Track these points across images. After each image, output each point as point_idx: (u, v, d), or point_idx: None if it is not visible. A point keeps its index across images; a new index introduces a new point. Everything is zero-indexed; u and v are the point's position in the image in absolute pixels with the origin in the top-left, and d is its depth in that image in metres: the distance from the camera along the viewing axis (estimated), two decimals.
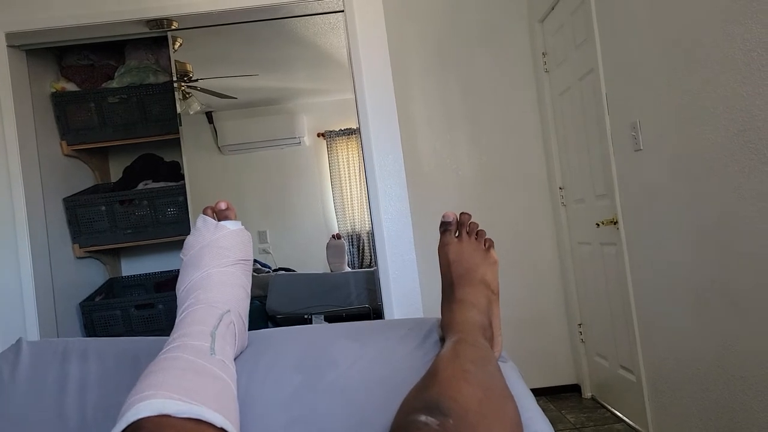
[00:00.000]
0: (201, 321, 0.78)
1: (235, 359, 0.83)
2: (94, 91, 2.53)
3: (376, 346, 0.91)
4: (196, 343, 0.73)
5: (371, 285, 2.64)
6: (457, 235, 0.92)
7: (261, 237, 2.63)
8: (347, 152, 2.86)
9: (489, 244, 0.91)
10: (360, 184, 2.94)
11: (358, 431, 0.71)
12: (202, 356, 0.70)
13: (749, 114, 1.43)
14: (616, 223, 2.20)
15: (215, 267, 0.84)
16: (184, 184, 2.54)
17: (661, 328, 1.99)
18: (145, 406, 0.58)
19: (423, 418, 0.54)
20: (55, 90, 2.52)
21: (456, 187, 3.00)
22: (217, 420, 0.60)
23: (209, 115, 2.55)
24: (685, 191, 1.73)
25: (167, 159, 2.78)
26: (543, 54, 2.84)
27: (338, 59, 2.53)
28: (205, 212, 0.90)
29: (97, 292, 2.68)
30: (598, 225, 2.34)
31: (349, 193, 2.90)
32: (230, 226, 0.87)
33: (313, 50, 2.54)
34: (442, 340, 0.87)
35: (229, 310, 0.81)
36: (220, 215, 0.89)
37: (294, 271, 2.68)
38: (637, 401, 2.20)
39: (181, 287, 0.86)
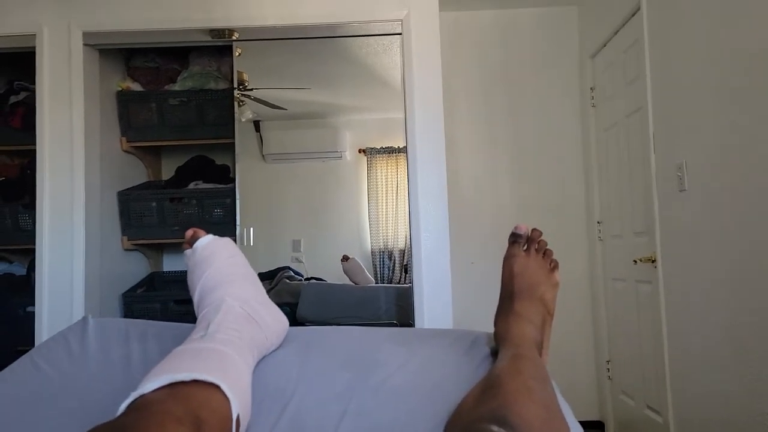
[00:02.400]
0: (205, 318, 0.86)
1: (272, 350, 0.89)
2: (157, 93, 2.66)
3: (422, 351, 0.95)
4: (196, 335, 0.81)
5: (401, 301, 2.67)
6: (524, 249, 0.94)
7: (295, 246, 2.69)
8: (386, 170, 2.92)
9: (554, 265, 0.94)
10: (396, 201, 3.00)
11: (407, 430, 0.75)
12: (197, 340, 0.78)
13: None
14: (654, 261, 2.20)
15: (204, 277, 0.92)
16: (233, 187, 2.63)
17: (692, 371, 1.97)
18: (147, 382, 0.66)
19: (495, 428, 0.57)
20: (120, 89, 2.66)
21: (494, 214, 3.03)
22: (207, 378, 0.67)
23: (257, 124, 2.65)
24: (727, 235, 1.74)
25: (218, 162, 2.88)
26: (591, 89, 2.87)
27: (386, 79, 2.60)
28: (186, 247, 0.99)
29: (139, 285, 2.78)
30: (635, 262, 2.34)
31: (384, 210, 2.95)
32: (202, 241, 0.96)
33: (363, 69, 2.62)
34: (494, 352, 0.91)
35: (225, 299, 0.88)
36: (195, 238, 0.97)
37: (325, 281, 2.74)
38: None
39: (194, 292, 0.94)
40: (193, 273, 0.97)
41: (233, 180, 2.76)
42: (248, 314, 0.91)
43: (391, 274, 2.99)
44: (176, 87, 2.67)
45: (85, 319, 1.06)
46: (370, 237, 2.88)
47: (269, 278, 2.63)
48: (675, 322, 2.08)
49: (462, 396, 0.80)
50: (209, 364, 0.72)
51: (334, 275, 2.72)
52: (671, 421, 2.11)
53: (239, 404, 0.70)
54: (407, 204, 2.62)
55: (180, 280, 2.90)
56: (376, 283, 2.87)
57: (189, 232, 1.01)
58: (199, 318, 0.89)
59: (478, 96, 3.07)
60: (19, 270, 2.77)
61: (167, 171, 3.02)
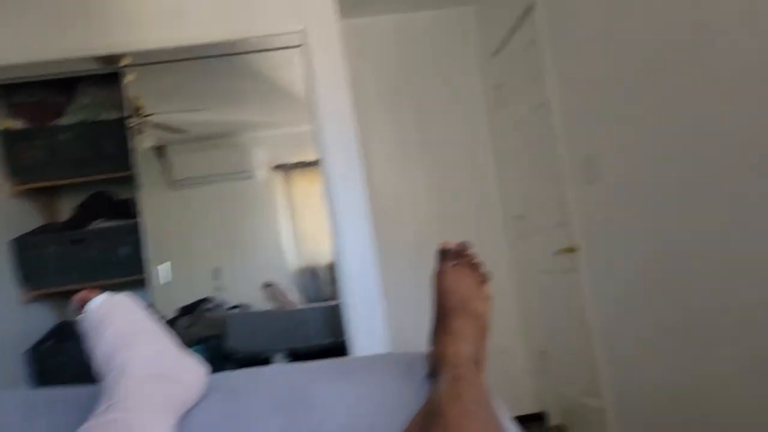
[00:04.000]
0: (108, 387, 0.79)
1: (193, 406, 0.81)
2: (45, 129, 2.45)
3: (358, 384, 0.89)
4: (99, 410, 0.74)
5: (331, 319, 2.60)
6: (453, 264, 0.91)
7: (215, 274, 2.57)
8: (302, 185, 2.85)
9: (485, 278, 0.91)
10: (317, 217, 2.93)
11: None
12: (100, 415, 0.72)
13: (702, 146, 1.51)
14: (574, 251, 2.26)
15: (101, 342, 0.84)
16: (138, 222, 2.47)
17: (623, 354, 2.03)
18: None
19: None
20: (3, 128, 2.43)
21: (416, 224, 3.02)
22: None
23: (160, 151, 2.50)
24: (640, 222, 1.80)
25: (121, 197, 2.70)
26: (495, 87, 2.93)
27: (292, 92, 2.53)
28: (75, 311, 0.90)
29: (46, 338, 2.55)
30: (556, 254, 2.39)
31: (304, 227, 2.87)
32: (94, 303, 0.87)
33: (266, 84, 2.54)
34: (431, 373, 0.86)
35: (126, 363, 0.81)
36: (85, 301, 0.89)
37: (250, 307, 2.62)
38: (603, 427, 2.23)
39: (94, 359, 0.86)
40: (88, 339, 0.87)
41: (136, 215, 2.60)
42: (158, 373, 0.83)
43: (318, 291, 2.91)
44: (65, 120, 2.47)
45: None
46: (296, 255, 2.80)
47: (189, 312, 2.48)
48: (601, 309, 2.14)
49: (402, 427, 0.76)
50: None
51: (260, 300, 2.62)
52: (609, 405, 2.16)
53: None
54: (328, 219, 2.55)
55: None
56: (303, 303, 2.79)
57: (77, 296, 0.91)
58: (103, 387, 0.80)
59: (387, 104, 3.05)
60: None
61: (64, 212, 2.80)
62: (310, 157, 2.77)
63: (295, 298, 2.84)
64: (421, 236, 2.98)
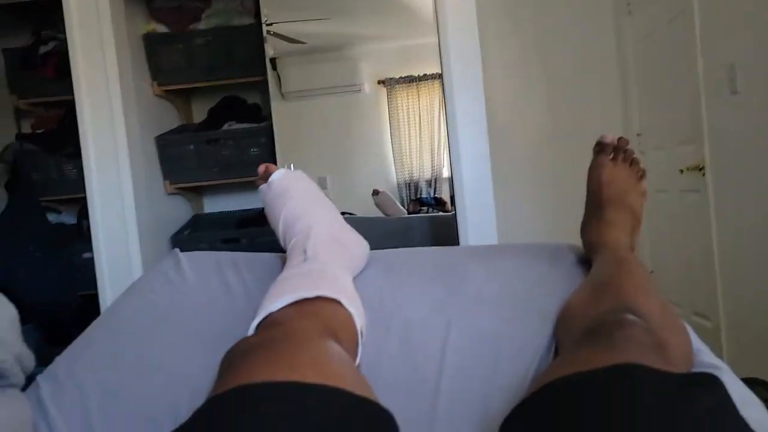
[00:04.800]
0: (296, 246, 0.89)
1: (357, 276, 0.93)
2: (183, 33, 2.62)
3: (504, 264, 0.97)
4: (294, 261, 0.84)
5: (441, 230, 2.69)
6: (611, 158, 0.93)
7: (321, 183, 2.70)
8: (407, 100, 2.89)
9: (642, 174, 0.94)
10: (419, 132, 2.97)
11: (512, 333, 0.78)
12: (300, 265, 0.82)
13: None
14: (701, 169, 2.18)
15: (285, 209, 0.95)
16: (267, 125, 2.62)
17: (744, 277, 1.99)
18: (272, 303, 0.69)
19: (630, 316, 0.59)
20: (146, 32, 2.61)
21: (528, 133, 3.00)
22: (340, 298, 0.71)
23: (273, 62, 2.60)
24: None
25: (250, 101, 2.87)
26: None
27: (405, 3, 2.52)
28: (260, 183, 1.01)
29: (184, 228, 2.84)
30: (681, 171, 2.32)
31: (408, 141, 2.94)
32: (277, 174, 0.98)
33: None
34: (581, 260, 0.92)
35: (311, 226, 0.91)
36: (268, 172, 0.99)
37: (355, 215, 2.75)
38: (714, 348, 2.23)
39: (277, 224, 0.97)
40: (273, 206, 0.99)
41: (264, 119, 2.76)
42: (336, 239, 0.93)
43: (420, 203, 3.01)
44: (201, 26, 2.62)
45: (174, 252, 1.09)
46: (395, 169, 2.88)
47: None
48: (725, 230, 2.09)
49: (559, 301, 0.83)
50: (325, 283, 0.75)
51: (363, 210, 2.74)
52: (722, 327, 2.15)
53: (359, 319, 0.74)
54: (432, 133, 2.60)
55: (222, 221, 2.95)
56: (408, 215, 2.90)
57: (261, 168, 1.02)
58: (290, 247, 0.92)
59: (506, 13, 2.97)
60: (69, 219, 2.84)
61: (197, 114, 3.01)
62: (415, 71, 2.79)
63: (400, 206, 2.96)
64: (534, 149, 2.97)
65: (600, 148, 0.94)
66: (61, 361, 0.80)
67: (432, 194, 2.96)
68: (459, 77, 2.31)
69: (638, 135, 2.79)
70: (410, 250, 1.09)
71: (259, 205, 2.91)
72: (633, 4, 2.73)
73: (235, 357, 0.58)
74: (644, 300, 0.66)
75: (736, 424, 0.46)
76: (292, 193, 0.97)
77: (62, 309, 2.47)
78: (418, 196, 2.98)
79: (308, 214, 0.95)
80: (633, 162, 0.94)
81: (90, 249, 2.44)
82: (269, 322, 0.67)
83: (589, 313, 0.67)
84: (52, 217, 2.80)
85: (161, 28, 2.65)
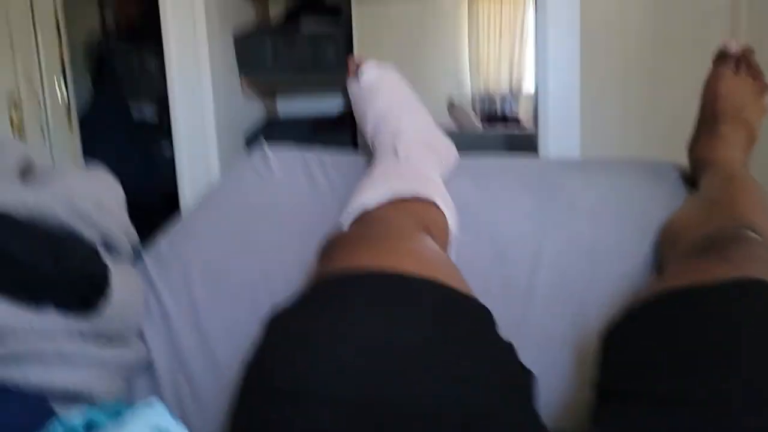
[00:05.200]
0: (385, 144, 0.87)
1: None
2: None
3: (601, 176, 0.93)
4: (385, 159, 0.83)
5: (513, 147, 2.61)
6: (732, 68, 0.87)
7: None
8: (489, 7, 2.72)
9: (765, 88, 0.86)
10: (499, 43, 2.82)
11: (609, 244, 0.76)
12: (393, 163, 0.81)
13: None
14: None
15: (376, 104, 0.93)
16: (345, 26, 2.55)
17: None
18: (367, 198, 0.69)
19: (750, 233, 0.56)
20: None
21: (620, 46, 2.80)
22: (434, 198, 0.71)
23: None
24: None
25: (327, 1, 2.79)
26: None
27: None
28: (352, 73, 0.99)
29: (258, 129, 2.87)
30: None
31: (486, 52, 2.80)
32: (368, 69, 0.97)
33: None
34: (686, 177, 0.87)
35: (401, 127, 0.89)
36: (359, 65, 0.99)
37: None
38: None
39: (365, 120, 0.95)
40: (362, 101, 0.97)
41: (343, 20, 2.68)
42: (425, 141, 0.91)
43: (496, 117, 2.91)
44: None
45: (262, 148, 1.10)
46: (470, 81, 2.78)
47: None
48: None
49: (661, 216, 0.79)
50: (420, 183, 0.74)
51: (436, 121, 2.68)
52: None
53: (452, 219, 0.73)
54: (512, 45, 2.45)
55: (296, 123, 2.97)
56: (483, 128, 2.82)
57: (352, 62, 1.00)
58: (380, 144, 0.91)
59: None
60: (151, 117, 2.92)
61: (276, 11, 2.97)
62: None
63: (475, 119, 2.88)
64: (627, 62, 2.77)
65: (721, 56, 0.86)
66: (163, 243, 0.84)
67: (512, 111, 2.86)
68: None
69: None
70: (500, 158, 1.07)
71: (334, 110, 2.92)
72: None
73: (335, 246, 0.59)
74: (762, 218, 0.62)
75: None
76: (383, 90, 0.95)
77: (146, 205, 2.59)
78: (499, 111, 2.88)
79: (399, 113, 0.93)
80: (756, 74, 0.85)
81: (170, 147, 2.52)
82: (365, 217, 0.67)
83: (699, 229, 0.63)
84: (136, 114, 2.89)
85: None
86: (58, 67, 2.60)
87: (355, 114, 1.01)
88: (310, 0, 2.73)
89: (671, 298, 0.49)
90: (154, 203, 2.63)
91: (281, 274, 0.74)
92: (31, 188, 0.69)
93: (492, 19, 2.72)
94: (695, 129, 0.89)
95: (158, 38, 2.39)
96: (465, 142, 2.89)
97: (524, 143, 2.47)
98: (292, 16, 2.70)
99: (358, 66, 0.98)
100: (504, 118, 2.87)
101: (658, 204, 0.82)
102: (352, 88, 0.99)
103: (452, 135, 3.03)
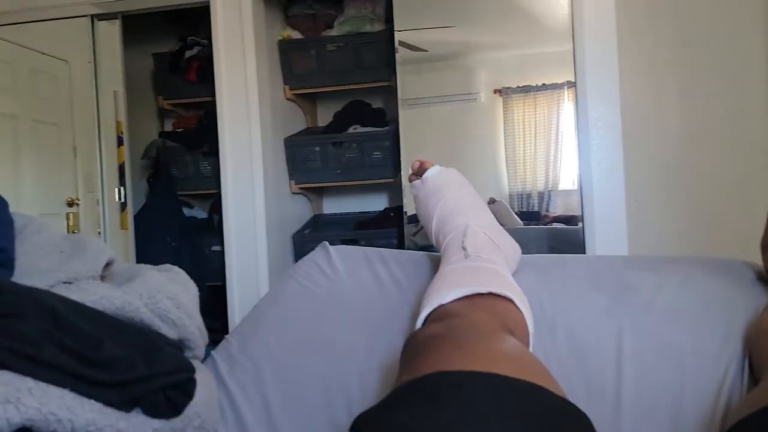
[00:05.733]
0: (453, 243, 0.87)
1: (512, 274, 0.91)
2: (315, 40, 2.72)
3: (673, 276, 0.91)
4: (454, 257, 0.83)
5: (563, 243, 2.60)
6: None
7: None
8: (523, 110, 2.81)
9: None
10: (534, 142, 2.89)
11: (695, 346, 0.72)
12: (463, 261, 0.80)
13: None
14: None
15: (440, 205, 0.95)
16: (392, 129, 2.66)
17: None
18: (443, 295, 0.68)
19: None
20: (281, 38, 2.74)
21: (659, 146, 2.82)
22: (510, 296, 0.70)
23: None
24: None
25: (375, 105, 2.93)
26: None
27: (527, 11, 2.46)
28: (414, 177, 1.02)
29: (305, 227, 2.94)
30: None
31: (522, 152, 2.86)
32: (432, 171, 0.98)
33: (507, 3, 2.51)
34: (762, 278, 0.85)
35: (468, 224, 0.89)
36: (423, 168, 1.00)
37: None
38: None
39: (431, 220, 0.96)
40: (427, 202, 0.98)
41: (387, 123, 2.80)
42: (491, 239, 0.92)
43: (533, 215, 2.92)
44: (333, 32, 2.72)
45: (324, 245, 1.12)
46: (508, 180, 2.82)
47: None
48: None
49: (742, 317, 0.76)
50: (495, 280, 0.74)
51: None
52: None
53: (529, 318, 0.71)
54: (548, 145, 2.51)
55: (341, 222, 3.03)
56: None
57: (416, 164, 1.03)
58: (446, 242, 0.91)
59: (643, 11, 2.81)
60: (200, 213, 3.03)
61: (322, 117, 3.12)
62: (532, 81, 2.72)
63: (515, 218, 2.89)
64: (669, 158, 2.79)
65: None
66: (232, 340, 0.84)
67: (549, 208, 2.88)
68: (593, 83, 2.23)
69: None
70: (564, 255, 1.06)
71: (377, 207, 2.98)
72: None
73: (420, 345, 0.58)
74: None
75: None
76: (447, 190, 0.97)
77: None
78: (537, 208, 2.90)
79: (464, 212, 0.94)
80: None
81: (218, 242, 2.60)
82: (441, 313, 0.67)
83: None
84: (185, 211, 3.01)
85: (296, 35, 2.78)
86: (116, 170, 2.77)
87: (418, 214, 1.02)
88: (357, 105, 2.87)
89: None
90: (202, 296, 2.68)
91: (354, 373, 0.73)
92: (115, 287, 0.71)
93: (526, 119, 2.82)
94: (766, 230, 0.87)
95: (213, 142, 2.54)
96: (516, 235, 2.89)
97: (569, 240, 2.47)
98: (339, 121, 2.84)
99: (422, 168, 1.01)
100: (541, 216, 2.89)
101: (737, 303, 0.80)
102: (416, 189, 1.01)
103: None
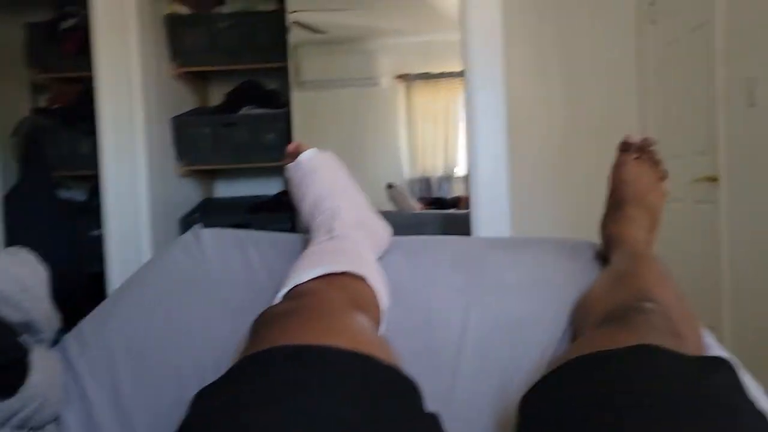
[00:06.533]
0: (322, 224, 0.90)
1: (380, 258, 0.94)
2: (206, 16, 2.63)
3: (526, 255, 0.98)
4: (321, 238, 0.86)
5: (453, 228, 2.70)
6: (635, 157, 0.95)
7: None
8: (425, 96, 2.89)
9: (663, 175, 0.95)
10: (435, 129, 2.98)
11: (531, 320, 0.79)
12: (327, 241, 0.83)
13: None
14: (715, 180, 2.19)
15: (313, 187, 0.96)
16: (286, 111, 2.63)
17: (753, 290, 2.00)
18: (300, 275, 0.70)
19: (647, 304, 0.61)
20: (169, 12, 2.62)
21: (545, 133, 3.00)
22: (365, 274, 0.73)
23: (293, 49, 2.60)
24: None
25: (269, 87, 2.88)
26: (650, 4, 2.77)
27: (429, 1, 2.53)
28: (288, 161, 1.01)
29: (194, 210, 2.85)
30: (693, 182, 2.33)
31: (423, 138, 2.94)
32: (306, 154, 0.99)
33: None
34: (600, 255, 0.93)
35: (339, 206, 0.92)
36: (298, 151, 1.00)
37: None
38: None
39: (303, 203, 0.97)
40: (300, 184, 0.99)
41: (282, 105, 2.76)
42: (361, 221, 0.94)
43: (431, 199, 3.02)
44: (225, 9, 2.64)
45: (195, 229, 1.10)
46: (409, 164, 2.89)
47: None
48: (737, 242, 2.09)
49: (578, 292, 0.84)
50: (352, 259, 0.76)
51: (375, 203, 2.74)
52: (728, 339, 2.16)
53: (384, 297, 0.75)
54: (447, 131, 2.60)
55: (233, 205, 2.96)
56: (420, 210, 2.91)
57: (291, 146, 1.03)
58: (316, 224, 0.93)
59: (531, 10, 2.97)
60: (79, 196, 2.85)
61: (214, 97, 3.03)
62: (435, 68, 2.80)
63: (413, 201, 2.97)
64: (551, 150, 2.97)
65: (624, 146, 0.95)
66: (86, 324, 0.81)
67: (447, 193, 2.97)
68: (481, 74, 2.31)
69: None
70: (432, 237, 1.10)
71: (271, 191, 2.94)
72: (656, 12, 2.74)
73: (266, 322, 0.60)
74: (662, 291, 0.67)
75: (747, 402, 0.48)
76: (320, 173, 0.98)
77: (69, 283, 2.48)
78: (438, 195, 2.99)
79: (336, 195, 0.96)
80: (656, 162, 0.95)
81: (98, 227, 2.46)
82: (297, 292, 0.68)
83: (607, 302, 0.68)
84: (63, 193, 2.82)
85: (184, 9, 2.66)
86: None
87: (292, 198, 1.03)
88: (250, 86, 2.81)
89: (579, 364, 0.52)
90: (80, 283, 2.53)
91: (210, 355, 0.73)
92: None
93: (428, 108, 2.88)
94: (605, 209, 0.96)
95: (92, 120, 2.38)
96: (403, 223, 2.96)
97: (459, 224, 2.57)
98: (232, 102, 2.77)
99: (296, 151, 1.01)
100: (440, 200, 2.99)
101: (576, 279, 0.87)
102: (290, 172, 1.01)
103: (390, 216, 3.10)
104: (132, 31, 2.29)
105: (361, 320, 0.61)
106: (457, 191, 2.93)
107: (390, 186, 2.90)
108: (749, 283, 2.02)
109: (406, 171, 2.93)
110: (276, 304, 0.65)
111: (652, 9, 2.76)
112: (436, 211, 2.95)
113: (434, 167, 3.00)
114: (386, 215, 2.98)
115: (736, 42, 2.05)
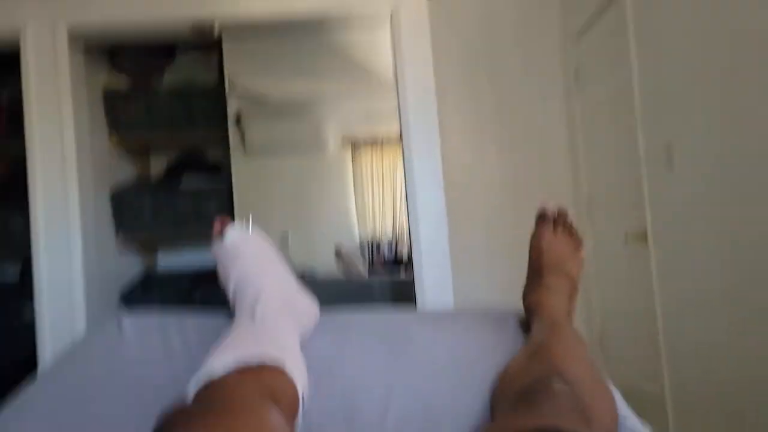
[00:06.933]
0: (245, 309, 0.89)
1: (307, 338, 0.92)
2: (144, 88, 2.63)
3: (454, 327, 0.99)
4: (243, 323, 0.85)
5: (395, 291, 2.70)
6: (552, 227, 0.98)
7: (283, 238, 2.69)
8: (371, 160, 2.95)
9: (579, 243, 0.98)
10: (382, 191, 3.03)
11: (452, 400, 0.79)
12: (247, 327, 0.83)
13: None
14: (644, 237, 2.27)
15: (237, 268, 0.95)
16: (228, 182, 2.62)
17: (688, 341, 2.05)
18: (214, 368, 0.69)
19: (556, 384, 0.62)
20: (107, 85, 2.62)
21: (484, 196, 3.07)
22: (278, 360, 0.71)
23: (237, 117, 2.63)
24: (720, 213, 1.81)
25: (210, 157, 2.87)
26: (576, 70, 2.92)
27: (371, 66, 2.61)
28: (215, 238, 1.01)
29: (135, 285, 2.76)
30: (625, 238, 2.41)
31: (371, 200, 2.98)
32: (230, 235, 0.98)
33: (344, 57, 2.63)
34: (523, 324, 0.95)
35: (261, 290, 0.91)
36: (223, 227, 1.00)
37: (315, 271, 2.73)
38: (659, 412, 2.26)
39: (228, 284, 0.97)
40: (225, 264, 0.98)
41: (225, 174, 2.75)
42: (285, 303, 0.93)
43: (381, 263, 3.03)
44: (164, 82, 2.65)
45: (117, 316, 1.06)
46: (358, 227, 2.91)
47: None
48: (667, 297, 2.16)
49: (497, 367, 0.85)
50: (268, 348, 0.75)
51: (324, 267, 2.74)
52: (666, 390, 2.19)
53: (301, 385, 0.73)
54: (394, 193, 2.64)
55: (175, 278, 2.89)
56: (369, 275, 2.90)
57: (217, 225, 1.02)
58: (239, 307, 0.91)
59: (464, 82, 3.10)
60: (10, 277, 2.73)
61: (156, 168, 3.00)
62: (380, 133, 2.86)
63: (362, 266, 2.96)
64: (490, 212, 3.04)
65: (541, 216, 0.98)
66: (1, 417, 0.76)
67: (394, 254, 2.99)
68: (417, 139, 2.38)
69: (588, 200, 2.90)
70: (363, 313, 1.10)
71: (214, 262, 2.89)
72: (581, 81, 2.89)
73: (174, 423, 0.57)
74: (573, 366, 0.69)
75: None
76: (245, 252, 0.97)
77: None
78: (389, 257, 3.00)
79: (260, 277, 0.95)
80: (571, 232, 0.98)
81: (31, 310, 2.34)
82: (210, 387, 0.66)
83: (522, 379, 0.69)
84: None
85: (123, 83, 2.67)
86: None
87: (219, 275, 1.01)
88: (191, 156, 2.81)
89: None
90: (9, 370, 2.38)
91: None
92: None
93: (375, 171, 2.93)
94: (527, 279, 0.98)
95: (25, 196, 2.31)
96: (350, 290, 2.94)
97: (405, 290, 2.57)
98: (173, 173, 2.74)
99: (222, 227, 1.00)
100: (390, 264, 2.99)
101: (499, 354, 0.88)
102: (216, 249, 1.00)
103: (338, 284, 3.06)
104: (66, 106, 2.27)
105: (273, 417, 0.60)
106: (405, 254, 2.95)
107: (338, 251, 2.89)
108: (683, 335, 2.07)
109: (356, 234, 2.94)
110: (184, 405, 0.63)
111: (578, 75, 2.92)
112: (383, 277, 2.95)
113: (384, 230, 3.02)
114: (335, 283, 2.95)
115: (652, 109, 2.18)
